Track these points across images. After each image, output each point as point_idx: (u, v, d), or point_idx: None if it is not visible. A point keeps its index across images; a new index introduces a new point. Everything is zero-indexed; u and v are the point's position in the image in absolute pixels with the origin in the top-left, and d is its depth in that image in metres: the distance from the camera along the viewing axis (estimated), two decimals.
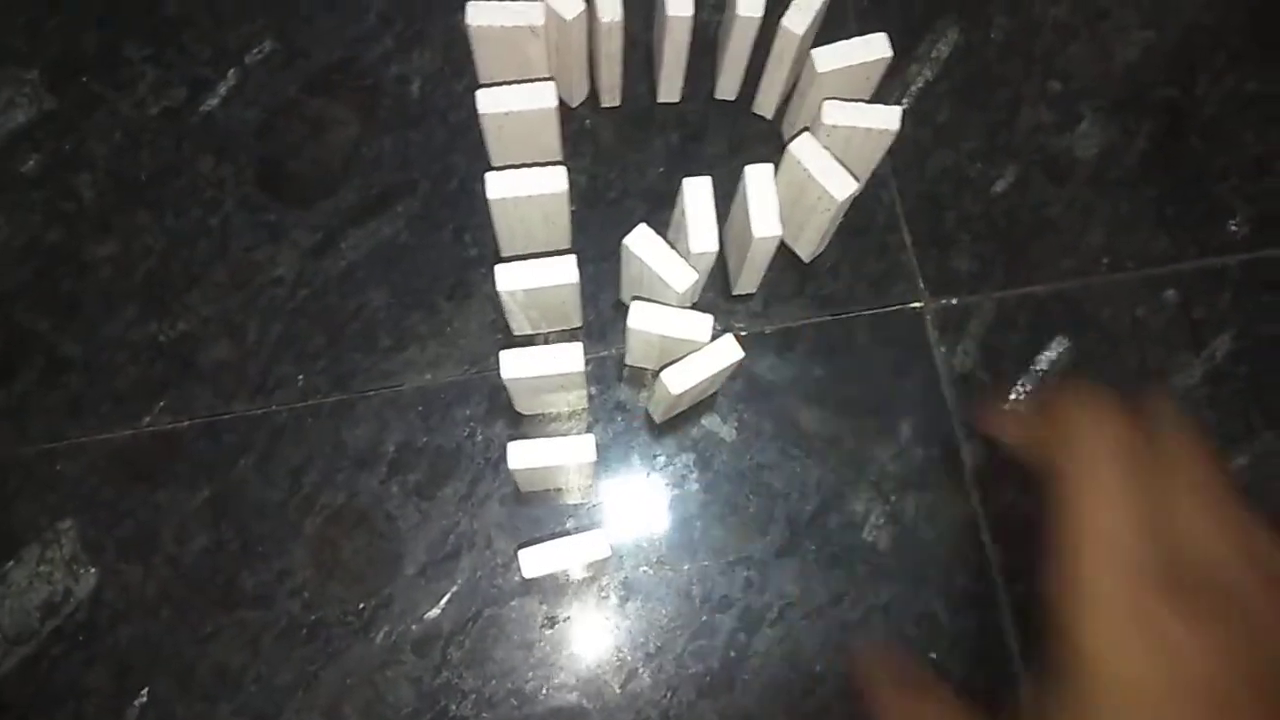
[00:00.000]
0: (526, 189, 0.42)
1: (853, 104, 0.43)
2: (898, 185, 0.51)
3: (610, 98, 0.51)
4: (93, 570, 0.45)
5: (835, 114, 0.43)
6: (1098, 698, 0.31)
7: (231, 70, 0.52)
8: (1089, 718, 0.31)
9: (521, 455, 0.40)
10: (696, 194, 0.42)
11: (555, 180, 0.42)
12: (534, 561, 0.40)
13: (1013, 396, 0.49)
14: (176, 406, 0.47)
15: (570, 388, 0.44)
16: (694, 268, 0.42)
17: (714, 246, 0.42)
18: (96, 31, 0.52)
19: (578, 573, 0.45)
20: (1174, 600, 0.31)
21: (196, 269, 0.49)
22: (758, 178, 0.42)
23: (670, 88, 0.51)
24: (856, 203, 0.50)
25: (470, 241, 0.50)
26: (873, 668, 0.40)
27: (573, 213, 0.49)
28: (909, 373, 0.49)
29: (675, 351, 0.42)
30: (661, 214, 0.48)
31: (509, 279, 0.41)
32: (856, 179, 0.43)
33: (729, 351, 0.41)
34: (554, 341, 0.43)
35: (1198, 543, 0.32)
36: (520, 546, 0.41)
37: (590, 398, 0.48)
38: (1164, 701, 0.30)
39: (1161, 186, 0.52)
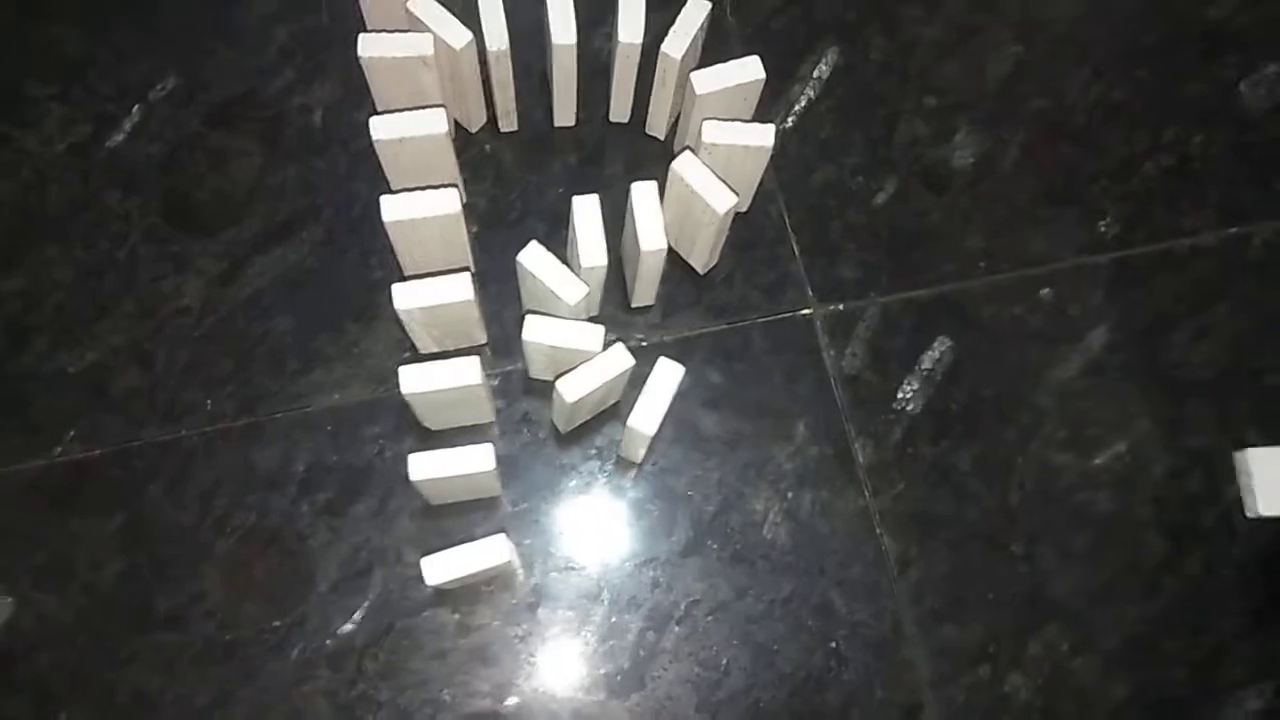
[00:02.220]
0: (421, 210, 0.44)
1: (731, 123, 0.45)
2: (785, 199, 0.53)
3: (507, 123, 0.53)
4: (8, 600, 0.46)
5: (714, 133, 0.45)
6: None
7: (135, 106, 0.53)
8: None
9: (422, 467, 0.42)
10: (585, 211, 0.44)
11: (449, 201, 0.44)
12: (436, 569, 0.41)
13: (900, 396, 0.51)
14: (87, 435, 0.48)
15: (473, 401, 0.45)
16: (585, 281, 0.44)
17: (603, 260, 0.44)
18: (1, 72, 0.53)
19: (489, 581, 0.47)
20: None
21: (105, 300, 0.50)
22: (642, 195, 0.44)
23: (565, 112, 0.53)
24: (746, 216, 0.53)
25: (375, 264, 0.51)
26: None
27: (475, 234, 0.51)
28: (801, 376, 0.51)
29: (570, 362, 0.44)
30: (561, 233, 0.50)
31: (406, 297, 0.43)
32: (737, 194, 0.45)
33: (620, 360, 0.43)
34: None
35: None
36: (424, 555, 0.43)
37: (497, 411, 0.49)
38: None
39: (1035, 191, 0.55)
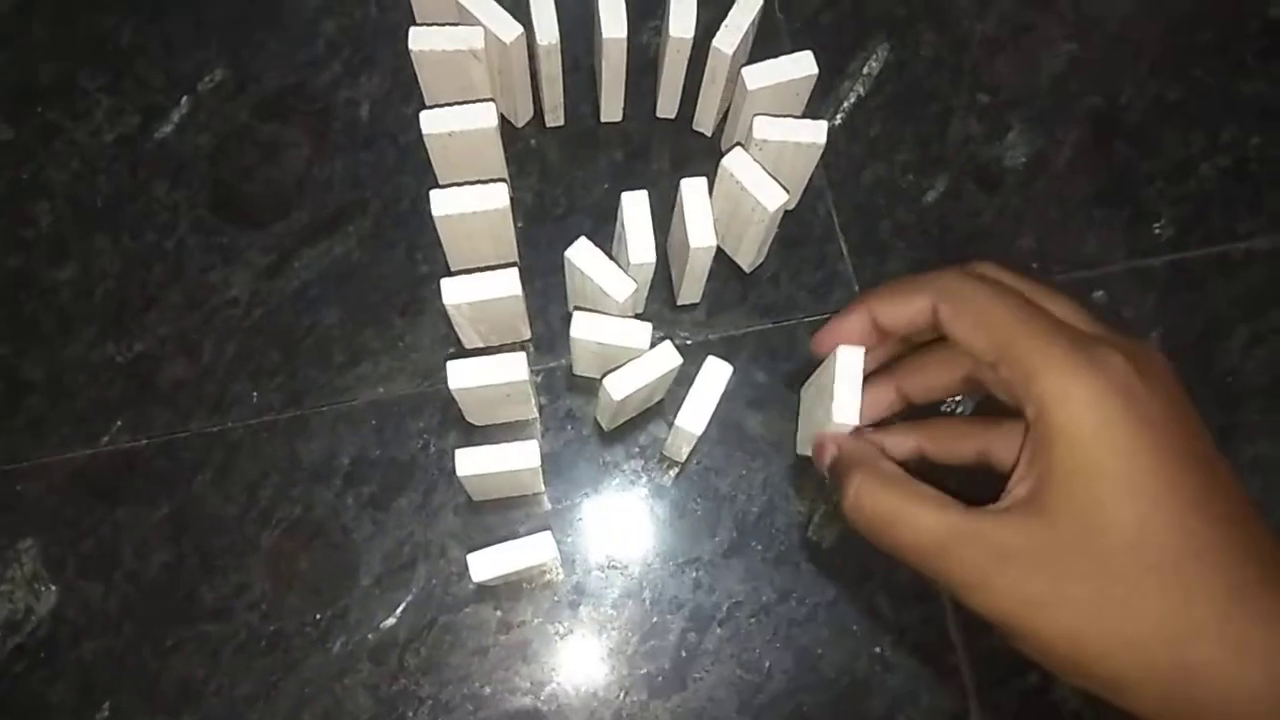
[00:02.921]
0: (470, 205, 0.44)
1: (782, 119, 0.45)
2: (834, 197, 0.53)
3: (554, 118, 0.53)
4: (54, 588, 0.46)
5: (766, 129, 0.45)
6: (1066, 451, 0.33)
7: (184, 97, 0.53)
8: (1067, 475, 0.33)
9: (469, 462, 0.42)
10: (634, 207, 0.44)
11: (497, 196, 0.44)
12: (482, 565, 0.41)
13: (950, 399, 0.50)
14: (135, 425, 0.48)
15: (518, 397, 0.45)
16: (633, 278, 0.43)
17: (652, 257, 0.44)
18: (51, 62, 0.54)
19: (531, 579, 0.46)
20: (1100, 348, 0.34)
21: (153, 291, 0.50)
22: (693, 191, 0.44)
23: (612, 107, 0.52)
24: (794, 214, 0.52)
25: (421, 259, 0.51)
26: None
27: (520, 229, 0.50)
28: None
29: (617, 359, 0.43)
30: (607, 229, 0.50)
31: (454, 292, 0.43)
32: (788, 190, 0.44)
33: (668, 358, 0.43)
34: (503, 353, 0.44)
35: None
36: (469, 552, 0.43)
37: (540, 408, 0.49)
38: (1130, 438, 0.33)
39: (1088, 192, 0.54)
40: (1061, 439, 0.33)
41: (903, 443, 0.42)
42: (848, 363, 0.40)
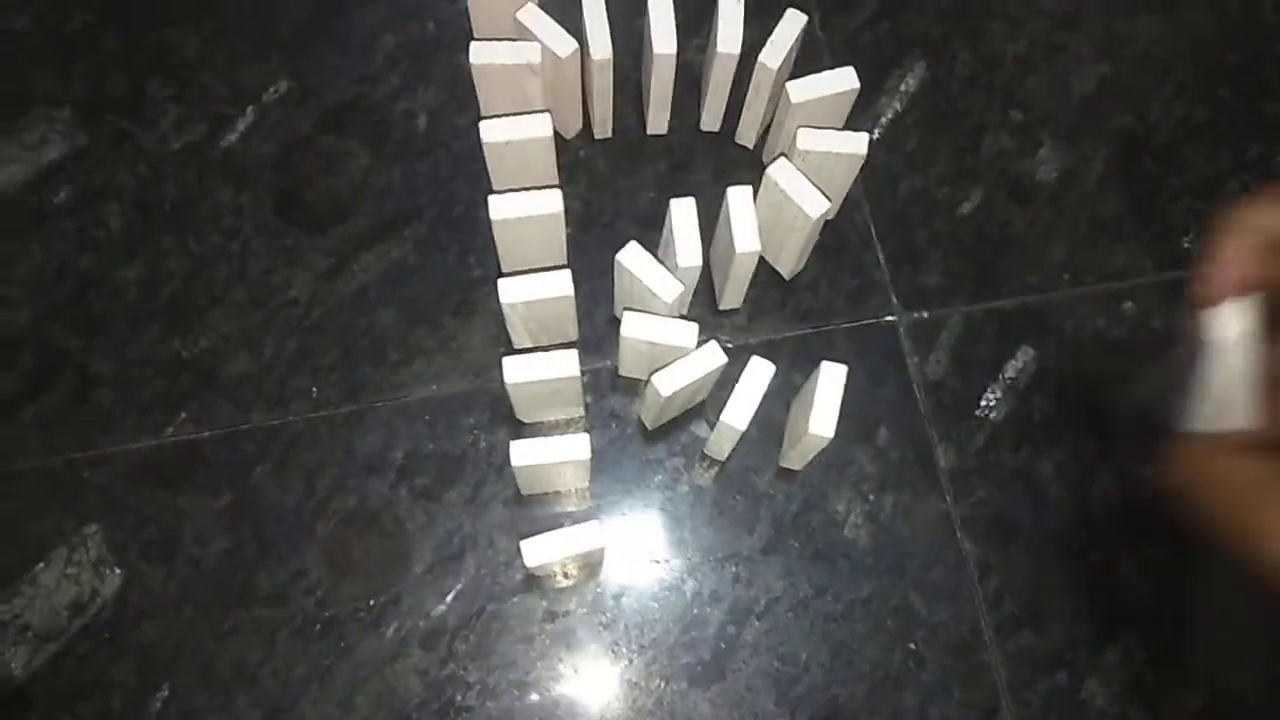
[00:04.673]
0: (526, 210, 0.46)
1: (825, 131, 0.47)
2: (871, 208, 0.55)
3: (603, 130, 0.55)
4: (118, 571, 0.48)
5: (809, 140, 0.47)
6: None
7: (250, 108, 0.56)
8: None
9: (523, 453, 0.43)
10: (682, 213, 0.46)
11: (552, 201, 0.46)
12: (535, 551, 0.43)
13: (983, 404, 0.52)
14: (198, 418, 0.50)
15: (567, 394, 0.47)
16: (680, 281, 0.45)
17: (699, 261, 0.45)
18: (122, 73, 0.56)
19: (576, 571, 0.48)
20: None
21: (217, 290, 0.52)
22: (738, 198, 0.46)
23: (658, 120, 0.55)
24: (833, 224, 0.54)
25: (474, 262, 0.53)
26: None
27: (569, 235, 0.52)
28: (885, 381, 0.52)
29: (664, 358, 0.45)
30: (652, 236, 0.52)
31: (511, 291, 0.45)
32: (829, 199, 0.46)
33: (713, 357, 0.45)
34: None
35: None
36: (517, 541, 0.44)
37: (586, 406, 0.51)
38: None
39: (1118, 207, 0.56)
40: None
41: None
42: (829, 378, 0.44)
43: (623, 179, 0.55)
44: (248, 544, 0.48)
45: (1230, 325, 0.34)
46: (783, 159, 0.46)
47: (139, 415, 0.50)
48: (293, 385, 0.51)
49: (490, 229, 0.47)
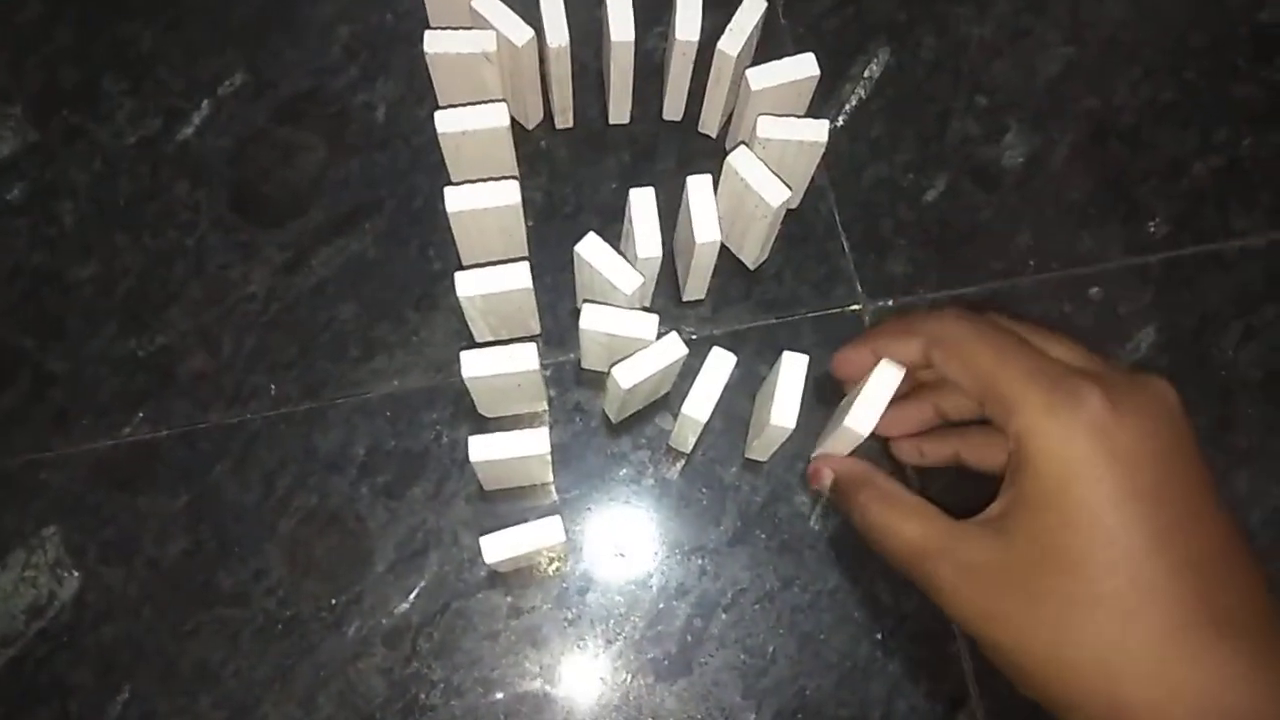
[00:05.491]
0: (483, 201, 0.45)
1: (785, 119, 0.46)
2: (835, 196, 0.54)
3: (563, 120, 0.54)
4: (76, 574, 0.47)
5: (769, 128, 0.46)
6: (1046, 485, 0.35)
7: (205, 101, 0.55)
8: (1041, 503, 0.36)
9: (482, 448, 0.43)
10: (641, 203, 0.45)
11: (509, 193, 0.45)
12: (494, 547, 0.42)
13: None
14: (155, 417, 0.49)
15: (529, 388, 0.46)
16: (640, 272, 0.45)
17: (658, 251, 0.45)
18: (75, 67, 0.55)
19: (541, 566, 0.48)
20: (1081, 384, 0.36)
21: (173, 287, 0.51)
22: (698, 187, 0.45)
23: (620, 110, 0.54)
24: (797, 213, 0.54)
25: (435, 256, 0.52)
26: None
27: (530, 228, 0.52)
28: None
29: (624, 350, 0.45)
30: (615, 228, 0.51)
31: (468, 285, 0.44)
32: (790, 188, 0.46)
33: (674, 348, 0.44)
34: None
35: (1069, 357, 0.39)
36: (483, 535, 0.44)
37: (550, 400, 0.50)
38: (1106, 473, 0.34)
39: (1084, 191, 0.55)
40: (1029, 468, 0.36)
41: (940, 449, 0.46)
42: (791, 369, 0.44)
43: (585, 169, 0.54)
44: (208, 544, 0.48)
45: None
46: (743, 147, 0.46)
47: (96, 415, 0.50)
48: (251, 383, 0.50)
49: (449, 225, 0.47)
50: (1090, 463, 0.34)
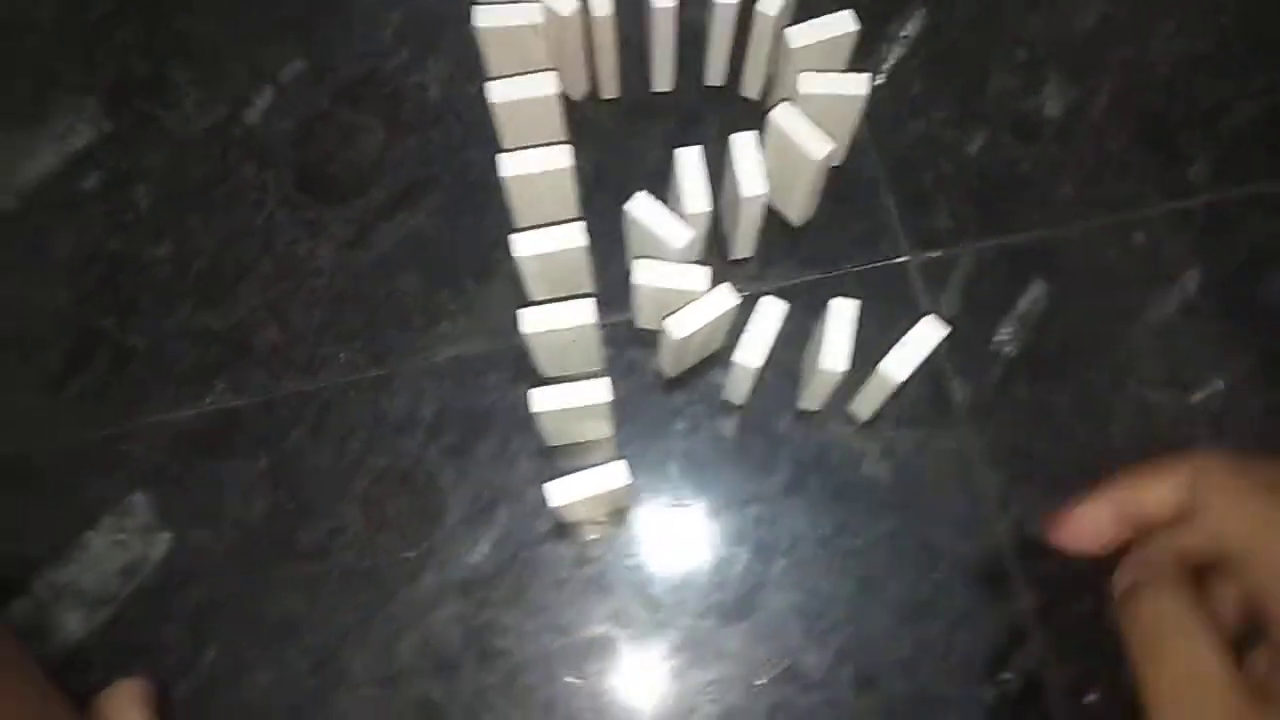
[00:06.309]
0: (536, 166, 0.47)
1: (825, 74, 0.48)
2: (877, 153, 0.55)
3: (609, 90, 0.56)
4: (165, 535, 0.50)
5: (810, 84, 0.48)
6: None
7: (267, 88, 0.57)
8: None
9: (543, 399, 0.45)
10: (688, 161, 0.47)
11: (562, 157, 0.47)
12: (560, 492, 0.44)
13: (996, 339, 0.53)
14: (234, 387, 0.52)
15: (585, 344, 0.48)
16: (690, 227, 0.46)
17: (707, 206, 0.47)
18: (143, 59, 0.58)
19: (604, 519, 0.49)
20: None
21: (245, 264, 0.54)
22: (743, 144, 0.47)
23: (663, 77, 0.56)
24: (840, 170, 0.55)
25: (490, 226, 0.54)
26: None
27: (580, 196, 0.53)
28: (898, 321, 0.53)
29: (677, 304, 0.46)
30: (661, 193, 0.53)
31: (525, 246, 0.46)
32: (834, 141, 0.47)
33: (726, 298, 0.46)
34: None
35: None
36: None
37: (606, 360, 0.52)
38: None
39: (1124, 140, 0.56)
40: None
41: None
42: (840, 313, 0.45)
43: (631, 138, 0.56)
44: (287, 505, 0.50)
45: None
46: (785, 103, 0.47)
47: (175, 387, 0.52)
48: (322, 352, 0.52)
49: (503, 192, 0.49)
50: None
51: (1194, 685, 0.31)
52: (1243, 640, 0.33)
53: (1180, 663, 0.32)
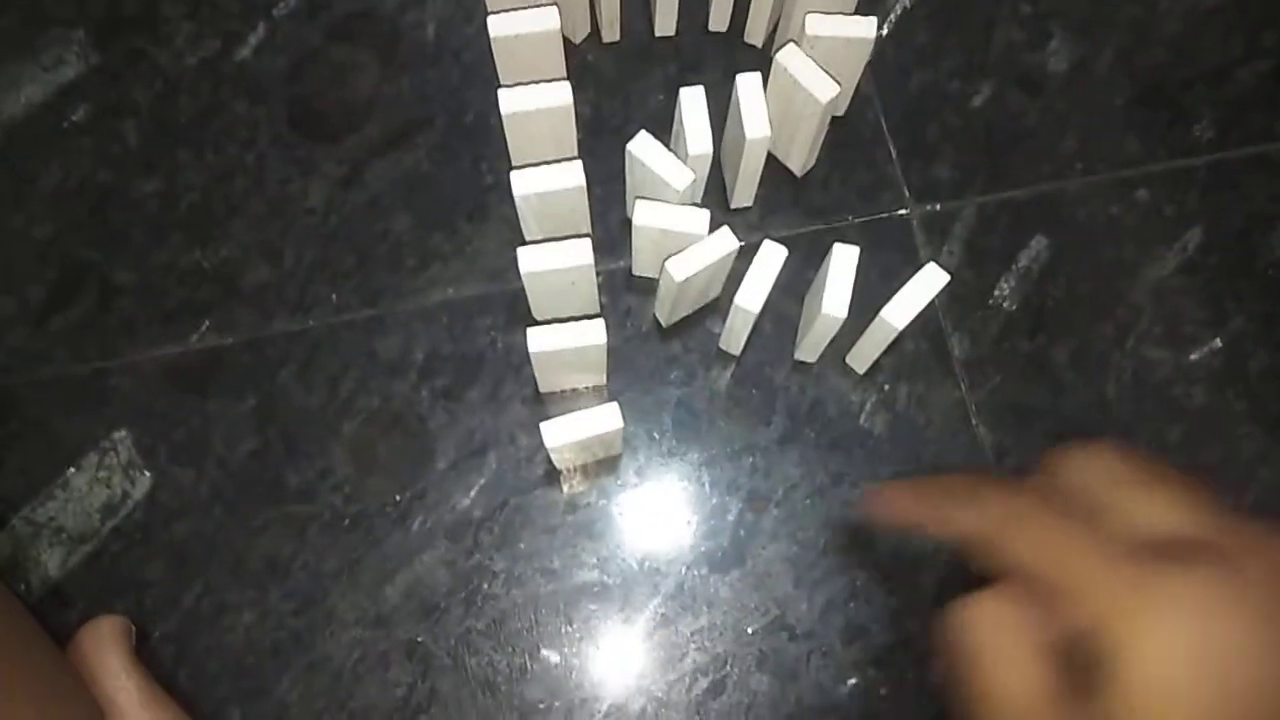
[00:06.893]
0: (536, 103, 0.46)
1: (833, 16, 0.47)
2: (881, 103, 0.55)
3: (610, 33, 0.55)
4: (148, 474, 0.49)
5: (817, 26, 0.47)
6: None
7: (261, 23, 0.56)
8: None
9: (540, 339, 0.44)
10: (692, 102, 0.46)
11: (561, 94, 0.46)
12: (555, 432, 0.44)
13: (996, 293, 0.52)
14: (222, 325, 0.51)
15: (582, 286, 0.47)
16: (691, 169, 0.46)
17: (709, 148, 0.46)
18: None
19: (595, 463, 0.49)
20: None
21: (235, 201, 0.53)
22: (747, 85, 0.46)
23: (665, 22, 0.55)
24: (844, 120, 0.54)
25: (486, 169, 0.54)
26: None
27: (579, 140, 0.53)
28: (898, 274, 0.52)
29: (676, 247, 0.45)
30: (663, 138, 0.52)
31: (524, 183, 0.45)
32: (840, 83, 0.46)
33: (726, 242, 0.45)
34: None
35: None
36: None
37: (602, 306, 0.51)
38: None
39: (1129, 96, 0.55)
40: (1120, 687, 0.28)
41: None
42: (841, 259, 0.44)
43: (632, 82, 0.55)
44: (275, 445, 0.49)
45: None
46: (791, 45, 0.47)
47: (163, 324, 0.51)
48: (313, 292, 0.52)
49: (501, 134, 0.48)
50: (1192, 694, 0.27)
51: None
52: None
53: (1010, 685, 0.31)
